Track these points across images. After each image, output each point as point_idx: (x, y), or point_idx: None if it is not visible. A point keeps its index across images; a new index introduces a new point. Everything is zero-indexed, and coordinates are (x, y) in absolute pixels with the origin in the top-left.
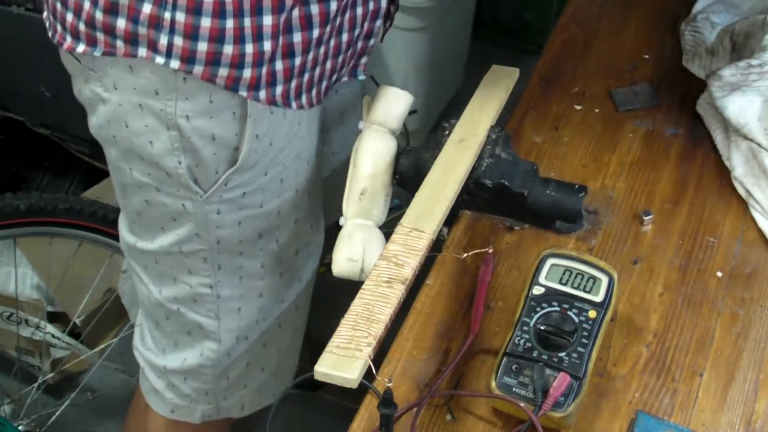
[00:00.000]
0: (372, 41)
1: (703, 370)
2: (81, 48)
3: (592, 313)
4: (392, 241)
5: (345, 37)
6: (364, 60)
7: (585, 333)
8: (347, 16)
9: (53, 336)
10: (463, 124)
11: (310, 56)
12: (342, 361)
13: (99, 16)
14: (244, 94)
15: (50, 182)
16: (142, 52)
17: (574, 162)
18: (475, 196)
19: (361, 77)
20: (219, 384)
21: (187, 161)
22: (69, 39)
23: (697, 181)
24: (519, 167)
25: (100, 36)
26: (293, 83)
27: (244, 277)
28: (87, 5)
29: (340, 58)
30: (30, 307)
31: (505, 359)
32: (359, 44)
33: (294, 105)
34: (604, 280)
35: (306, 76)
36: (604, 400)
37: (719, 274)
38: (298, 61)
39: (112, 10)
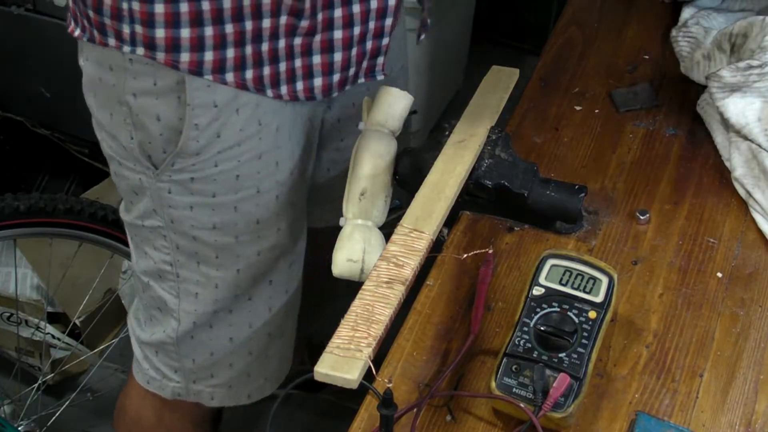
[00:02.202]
0: (385, 40)
1: (703, 371)
2: (77, 32)
3: (592, 314)
4: (392, 241)
5: (340, 34)
6: (380, 60)
7: (585, 333)
8: (338, 12)
9: (53, 337)
10: (463, 125)
11: (282, 44)
12: (342, 362)
13: (80, 5)
14: (209, 77)
15: (50, 183)
16: (112, 42)
17: (574, 162)
18: (475, 196)
19: (380, 77)
20: (184, 364)
21: (139, 137)
22: (72, 22)
23: (697, 182)
24: (519, 168)
25: (84, 22)
26: (266, 70)
27: (201, 263)
28: None
29: (339, 56)
30: (30, 307)
31: (505, 360)
32: (368, 44)
33: (270, 93)
34: (604, 280)
35: (282, 65)
36: (604, 401)
37: (719, 274)
38: (265, 46)
39: (84, 2)
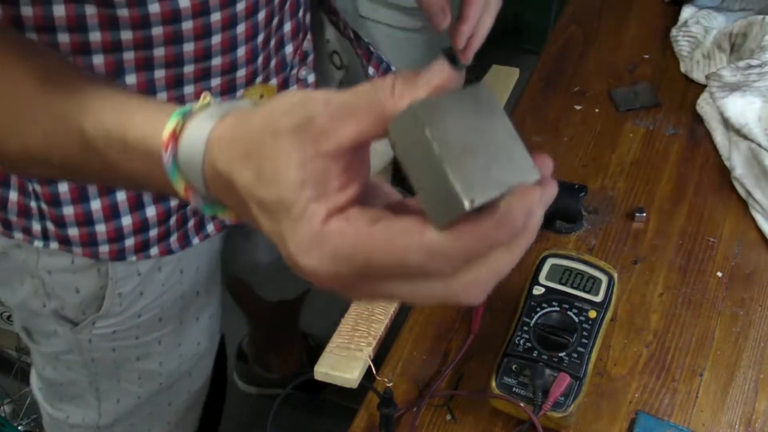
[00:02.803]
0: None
1: (703, 370)
2: None
3: (592, 313)
4: None
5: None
6: None
7: (585, 333)
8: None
9: None
10: None
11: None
12: (342, 362)
13: None
14: (133, 258)
15: None
16: (18, 236)
17: (574, 162)
18: None
19: None
20: None
21: (53, 305)
22: None
23: (697, 181)
24: None
25: None
26: (190, 223)
27: (122, 381)
28: None
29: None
30: None
31: (505, 359)
32: None
33: (195, 241)
34: (604, 280)
35: (172, 220)
36: (604, 400)
37: (719, 274)
38: (190, 206)
39: None
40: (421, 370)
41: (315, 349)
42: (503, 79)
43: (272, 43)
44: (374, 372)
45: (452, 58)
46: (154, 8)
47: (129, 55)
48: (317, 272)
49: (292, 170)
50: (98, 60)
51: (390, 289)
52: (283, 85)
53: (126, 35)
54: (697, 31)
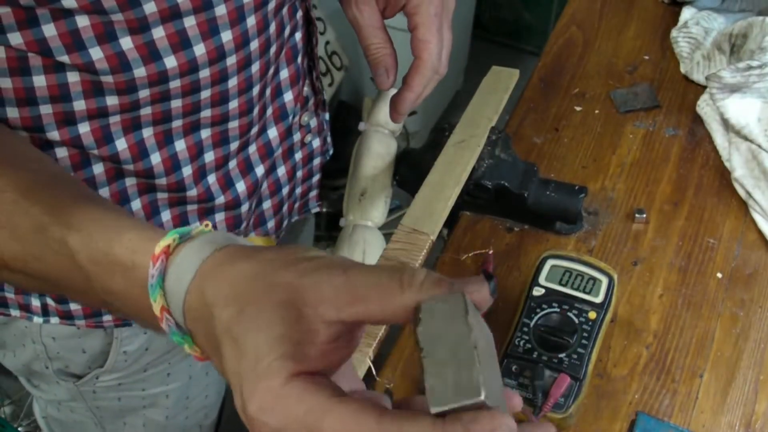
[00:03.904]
0: (316, 177)
1: (703, 372)
2: None
3: (592, 314)
4: (392, 242)
5: (268, 203)
6: (313, 194)
7: (585, 334)
8: (264, 185)
9: None
10: (463, 126)
11: None
12: None
13: None
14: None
15: None
16: (15, 313)
17: (574, 163)
18: (475, 197)
19: (314, 210)
20: None
21: (57, 366)
22: None
23: (697, 183)
24: (519, 168)
25: None
26: None
27: (128, 425)
28: None
29: (271, 223)
30: None
31: (505, 360)
32: (298, 190)
33: None
34: (604, 281)
35: None
36: (604, 401)
37: (719, 275)
38: None
39: None
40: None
41: None
42: (503, 79)
43: (268, 92)
44: (374, 373)
45: (489, 277)
46: (139, 72)
47: (115, 119)
48: (263, 424)
49: (279, 324)
50: (84, 128)
51: None
52: (286, 135)
53: (112, 101)
54: (697, 32)
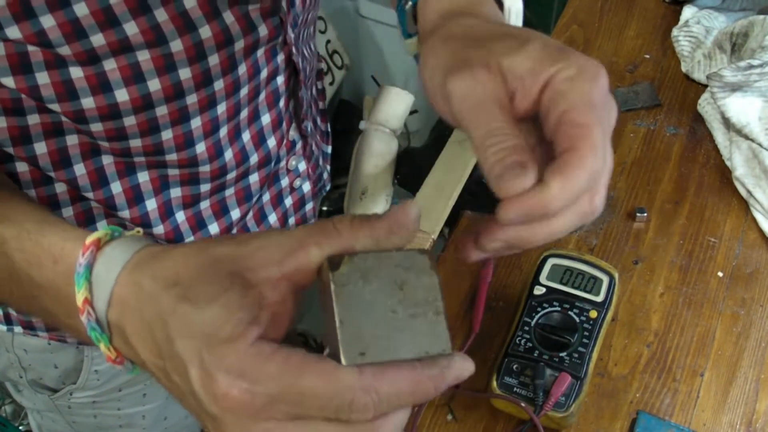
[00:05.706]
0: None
1: (704, 370)
2: None
3: (593, 313)
4: None
5: None
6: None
7: (586, 333)
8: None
9: None
10: None
11: None
12: None
13: None
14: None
15: None
16: None
17: None
18: (477, 195)
19: None
20: None
21: (30, 377)
22: None
23: (698, 181)
24: None
25: None
26: None
27: None
28: None
29: None
30: None
31: (506, 359)
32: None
33: None
34: (605, 280)
35: None
36: (605, 400)
37: (720, 274)
38: None
39: None
40: None
41: (315, 350)
42: None
43: (246, 138)
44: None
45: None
46: (88, 103)
47: (73, 140)
48: (237, 388)
49: (231, 292)
50: (41, 148)
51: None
52: (274, 180)
53: (67, 124)
54: (698, 31)
